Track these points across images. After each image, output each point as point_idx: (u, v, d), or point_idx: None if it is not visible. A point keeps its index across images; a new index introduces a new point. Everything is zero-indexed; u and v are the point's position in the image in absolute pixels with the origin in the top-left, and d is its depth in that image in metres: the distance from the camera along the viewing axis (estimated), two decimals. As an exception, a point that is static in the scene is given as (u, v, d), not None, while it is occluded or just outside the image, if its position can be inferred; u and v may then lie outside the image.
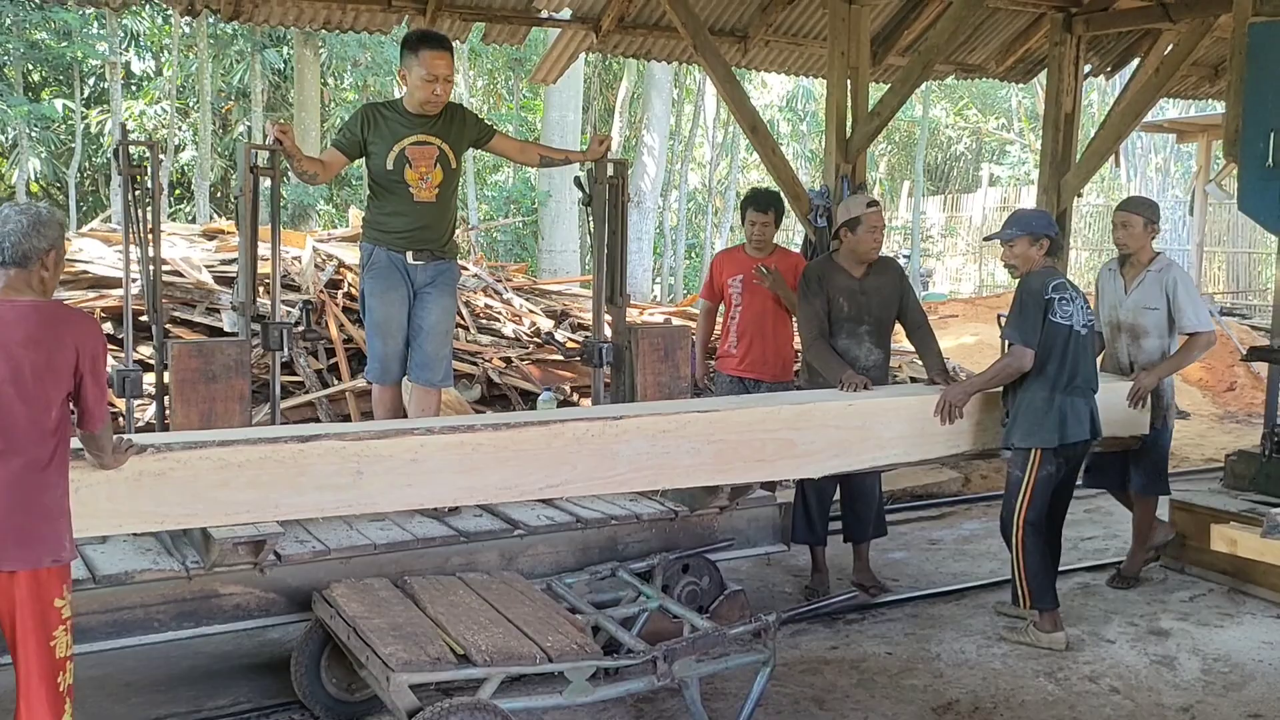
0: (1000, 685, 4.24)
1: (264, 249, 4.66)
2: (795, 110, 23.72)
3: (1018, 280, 4.62)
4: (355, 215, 10.07)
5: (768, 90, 24.16)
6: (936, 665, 4.42)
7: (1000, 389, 4.65)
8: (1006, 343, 4.58)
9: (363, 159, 4.63)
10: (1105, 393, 4.93)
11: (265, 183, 4.47)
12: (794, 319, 5.57)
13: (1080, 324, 4.46)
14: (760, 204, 5.62)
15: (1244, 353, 6.90)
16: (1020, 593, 4.57)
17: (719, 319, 5.87)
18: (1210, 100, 12.17)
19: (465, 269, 9.43)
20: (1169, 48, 8.42)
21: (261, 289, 5.05)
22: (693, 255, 21.25)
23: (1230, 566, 5.23)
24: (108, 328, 6.89)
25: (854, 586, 5.17)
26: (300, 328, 4.98)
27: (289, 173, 4.66)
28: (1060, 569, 5.51)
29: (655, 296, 17.80)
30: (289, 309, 6.59)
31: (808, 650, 4.56)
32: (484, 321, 8.44)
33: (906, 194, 24.77)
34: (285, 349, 4.39)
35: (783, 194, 7.80)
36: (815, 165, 22.76)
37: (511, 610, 3.60)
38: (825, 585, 5.22)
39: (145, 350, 5.93)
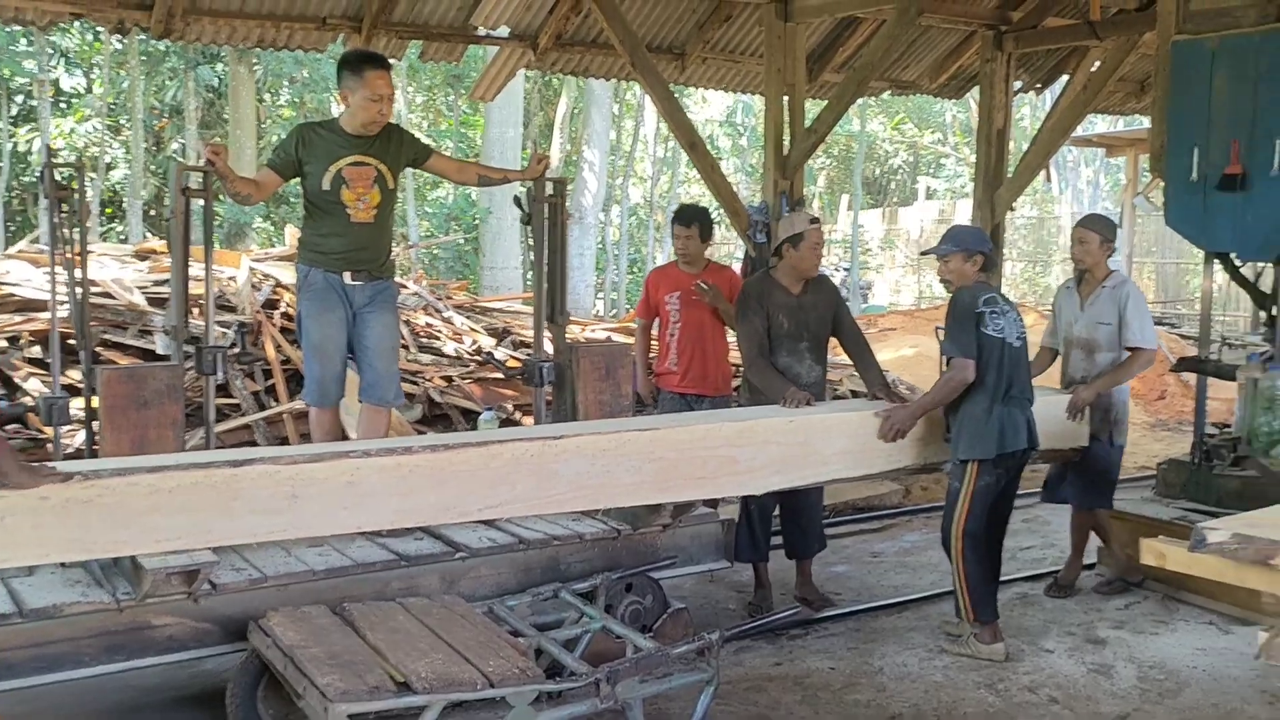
0: (942, 698, 4.27)
1: (199, 270, 4.59)
2: (735, 125, 23.90)
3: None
4: (292, 233, 9.94)
5: (708, 105, 24.32)
6: (879, 679, 4.44)
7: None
8: (946, 358, 4.60)
9: (298, 179, 4.57)
10: (1045, 405, 5.01)
11: (201, 203, 4.40)
12: (730, 333, 5.62)
13: (1013, 337, 4.51)
14: (684, 219, 5.66)
15: (1174, 362, 7.03)
16: (961, 604, 4.60)
17: (655, 337, 5.91)
18: (1137, 115, 12.46)
19: (405, 287, 9.34)
20: (1096, 64, 8.61)
21: (195, 311, 4.96)
22: (635, 271, 21.29)
23: (1164, 574, 5.33)
24: (35, 352, 6.73)
25: (798, 601, 5.19)
26: (235, 350, 4.90)
27: (241, 199, 4.61)
28: (1006, 578, 5.63)
29: (598, 312, 17.80)
30: (224, 331, 6.48)
31: (751, 667, 4.56)
32: (425, 340, 8.37)
33: (845, 207, 25.05)
34: (220, 372, 4.31)
35: (723, 209, 7.88)
36: (756, 180, 22.90)
37: (452, 635, 3.56)
38: (769, 601, 5.23)
39: (74, 375, 5.80)
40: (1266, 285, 5.93)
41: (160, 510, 3.43)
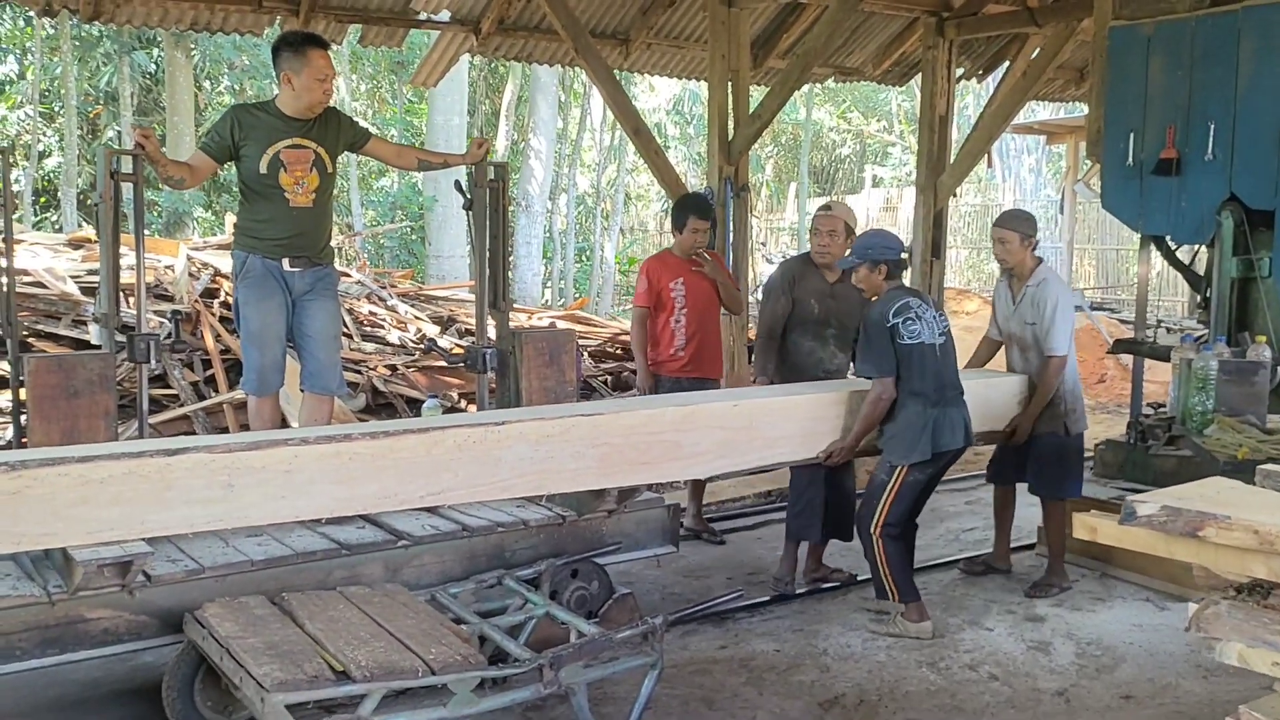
0: (885, 677, 4.30)
1: (135, 258, 4.48)
2: (682, 114, 23.88)
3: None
4: (233, 221, 9.78)
5: (655, 94, 24.28)
6: (823, 660, 4.47)
7: None
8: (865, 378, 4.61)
9: (233, 163, 4.49)
10: (984, 387, 5.06)
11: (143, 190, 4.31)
12: (723, 309, 5.90)
13: (931, 337, 4.50)
14: (704, 212, 5.75)
15: (1111, 344, 7.14)
16: (888, 589, 4.62)
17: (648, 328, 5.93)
18: (1077, 102, 12.64)
19: (348, 276, 9.25)
20: (1036, 52, 8.72)
21: (131, 299, 4.86)
22: (583, 259, 21.22)
23: (1101, 553, 5.42)
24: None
25: (812, 581, 5.30)
26: (170, 339, 4.80)
27: (174, 184, 4.51)
28: (941, 560, 5.69)
29: (546, 301, 17.73)
30: (161, 320, 6.36)
31: (697, 651, 4.56)
32: (368, 329, 8.30)
33: (793, 195, 25.13)
34: (153, 361, 4.22)
35: (667, 195, 7.88)
36: (703, 168, 22.91)
37: (394, 623, 3.52)
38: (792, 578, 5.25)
39: (3, 365, 5.66)
40: (1203, 269, 6.04)
41: (91, 501, 3.35)
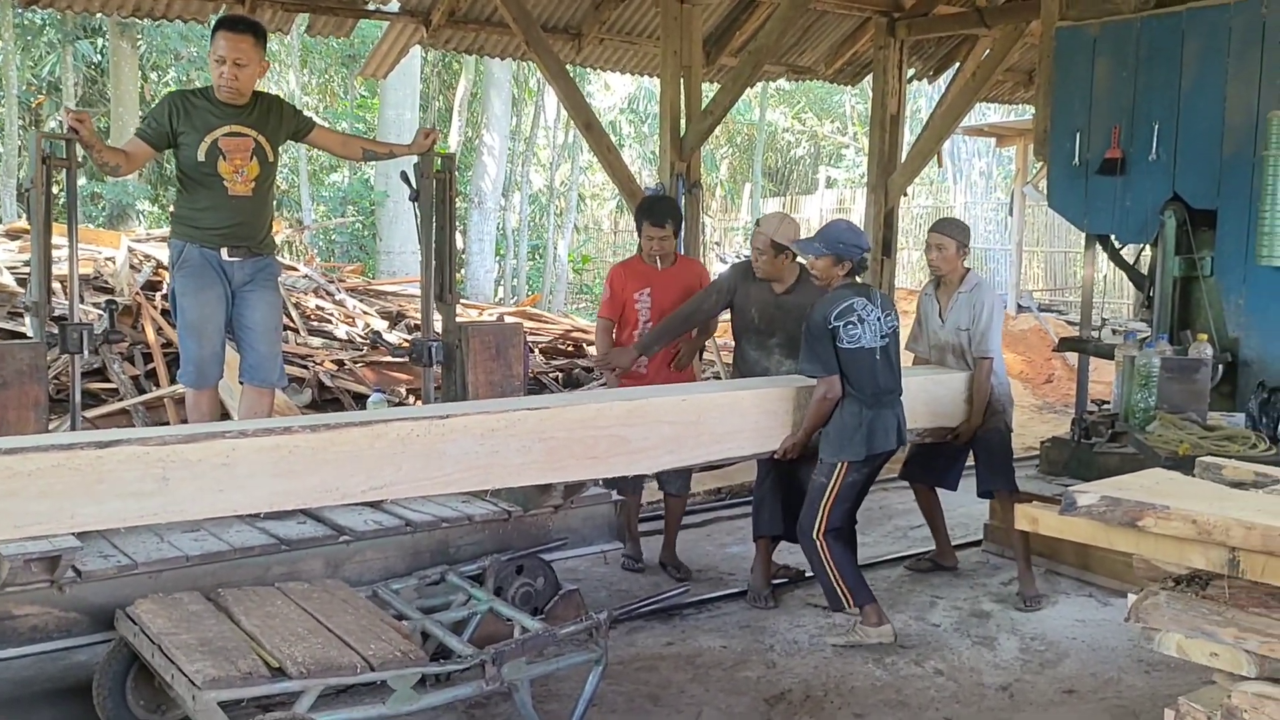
0: (831, 673, 4.30)
1: (80, 250, 4.37)
2: (637, 112, 23.87)
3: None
4: (170, 210, 9.62)
5: (611, 92, 24.24)
6: (770, 656, 4.46)
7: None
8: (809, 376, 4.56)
9: (171, 150, 4.39)
10: (934, 384, 5.07)
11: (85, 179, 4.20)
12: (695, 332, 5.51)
13: (872, 340, 4.47)
14: (657, 217, 5.33)
15: (1057, 343, 7.21)
16: (841, 595, 4.54)
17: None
18: (1027, 105, 12.77)
19: (295, 270, 9.13)
20: (986, 53, 8.79)
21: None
22: (535, 257, 21.12)
23: (1046, 548, 5.45)
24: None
25: (783, 571, 5.27)
26: (105, 330, 4.69)
27: (110, 170, 4.40)
28: (888, 557, 5.69)
29: (500, 298, 17.62)
30: (99, 311, 6.21)
31: (644, 647, 4.53)
32: (315, 323, 8.18)
33: (748, 195, 25.21)
34: (86, 352, 4.12)
35: (619, 190, 7.84)
36: (657, 165, 22.90)
37: (333, 619, 3.45)
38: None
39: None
40: (1147, 268, 6.11)
41: (19, 494, 3.25)
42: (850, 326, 4.44)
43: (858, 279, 4.62)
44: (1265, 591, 2.39)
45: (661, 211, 5.38)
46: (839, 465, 4.50)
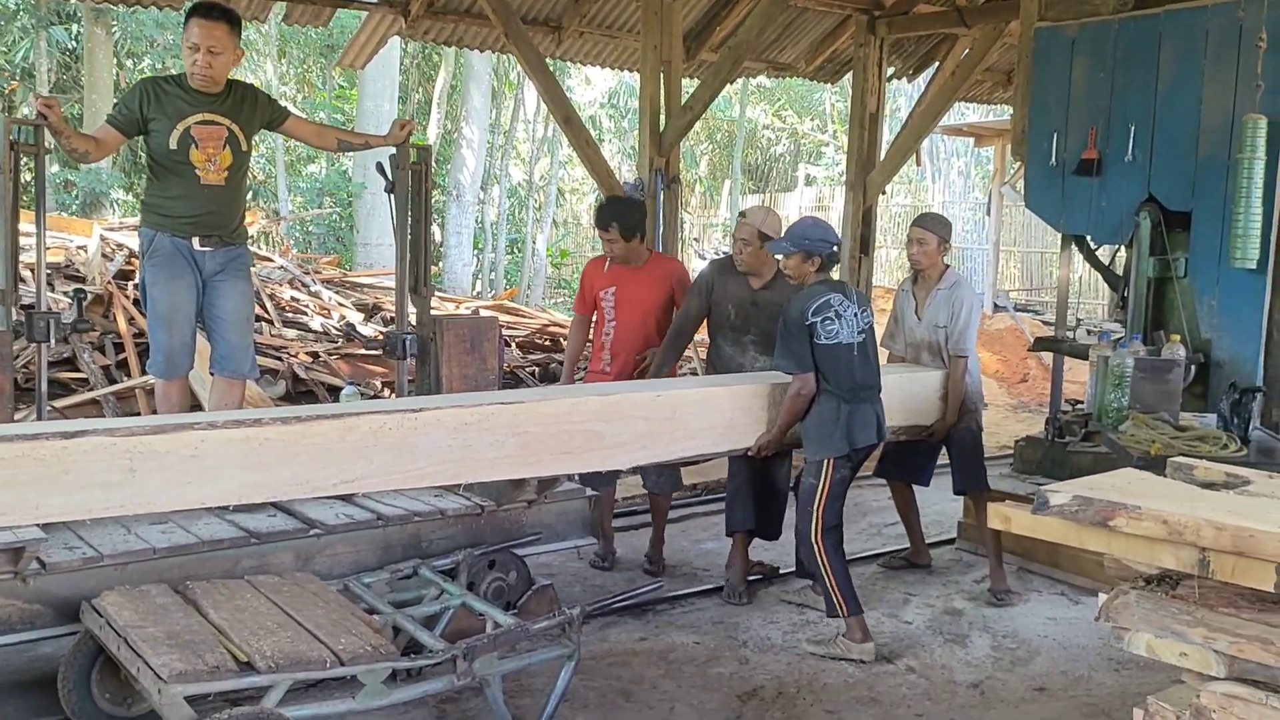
0: (804, 670, 4.30)
1: (51, 238, 4.31)
2: (618, 107, 23.82)
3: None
4: (140, 198, 9.53)
5: (591, 87, 24.18)
6: (743, 653, 4.46)
7: None
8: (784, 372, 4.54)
9: (142, 137, 4.33)
10: (909, 382, 5.08)
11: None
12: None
13: (849, 336, 4.45)
14: (600, 220, 5.30)
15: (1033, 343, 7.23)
16: (836, 604, 4.46)
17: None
18: (1005, 105, 12.82)
19: (270, 260, 9.06)
20: (965, 52, 8.81)
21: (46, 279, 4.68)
22: (514, 251, 21.05)
23: (1018, 547, 5.47)
24: None
25: (758, 568, 5.27)
26: (74, 319, 4.63)
27: (79, 156, 4.34)
28: (862, 555, 5.70)
29: (477, 292, 17.55)
30: (69, 300, 6.14)
31: (616, 643, 4.52)
32: (290, 315, 8.12)
33: (727, 192, 25.21)
34: (52, 341, 4.06)
35: (598, 185, 7.82)
36: (636, 160, 22.85)
37: (303, 613, 3.42)
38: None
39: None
40: (1122, 269, 6.12)
41: (-18, 484, 3.20)
42: (828, 322, 4.42)
43: (831, 275, 4.62)
44: (1235, 592, 2.40)
45: (604, 215, 5.33)
46: (825, 462, 4.46)
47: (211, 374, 4.52)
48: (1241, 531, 2.26)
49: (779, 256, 4.65)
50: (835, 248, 4.60)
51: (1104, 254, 6.29)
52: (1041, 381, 11.68)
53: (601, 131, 22.75)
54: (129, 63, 17.09)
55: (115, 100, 15.00)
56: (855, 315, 4.50)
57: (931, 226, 5.19)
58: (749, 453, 4.64)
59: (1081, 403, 6.01)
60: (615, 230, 5.23)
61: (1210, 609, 2.40)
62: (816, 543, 4.46)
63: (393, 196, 4.83)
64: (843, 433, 4.44)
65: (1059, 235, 6.32)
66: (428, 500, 4.46)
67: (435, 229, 17.92)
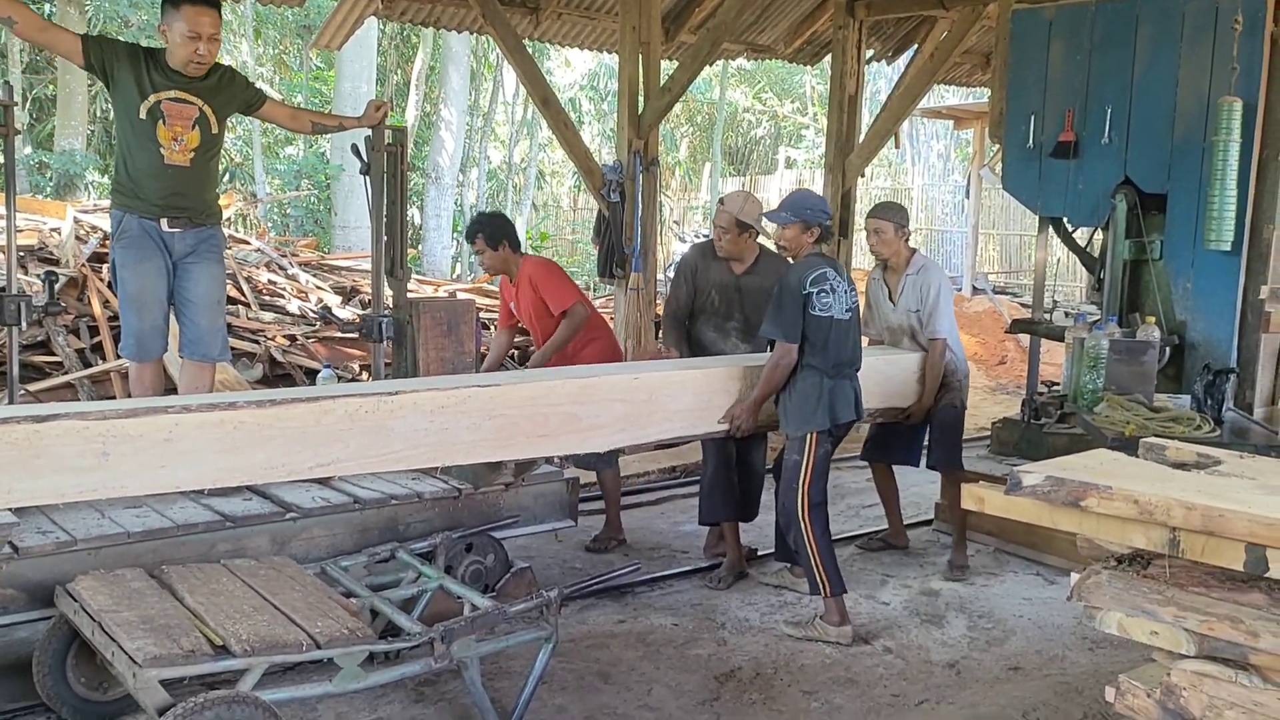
0: (781, 650, 4.32)
1: (25, 220, 4.25)
2: (597, 89, 23.73)
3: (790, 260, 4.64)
4: (109, 179, 9.44)
5: (571, 69, 24.07)
6: (721, 634, 4.47)
7: None
8: (769, 340, 4.52)
9: (107, 94, 4.26)
10: (886, 364, 5.09)
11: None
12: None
13: (840, 312, 4.44)
14: (467, 234, 5.43)
15: (1010, 325, 7.26)
16: (820, 582, 4.46)
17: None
18: (984, 88, 12.84)
19: (247, 243, 9.00)
20: (944, 35, 8.80)
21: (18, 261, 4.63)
22: (495, 231, 20.94)
23: (995, 528, 5.52)
24: None
25: (714, 556, 5.29)
26: (45, 302, 4.58)
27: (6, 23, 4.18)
28: (840, 536, 5.71)
29: (457, 275, 17.49)
30: (41, 283, 6.08)
31: (595, 625, 4.53)
32: (267, 298, 8.07)
33: (707, 175, 25.18)
34: (23, 324, 4.02)
35: (577, 167, 7.79)
36: (615, 143, 22.74)
37: (279, 597, 3.41)
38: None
39: None
40: (1098, 251, 6.14)
41: (-48, 469, 3.17)
42: (823, 295, 4.39)
43: (824, 249, 4.60)
44: (1205, 571, 2.42)
45: (470, 228, 5.43)
46: (808, 437, 4.43)
47: (181, 357, 4.48)
48: (1211, 511, 2.28)
49: (776, 227, 4.62)
50: (830, 220, 4.60)
51: (1081, 236, 6.30)
52: (1019, 364, 11.73)
53: (581, 114, 22.68)
54: (103, 43, 16.88)
55: (89, 80, 14.87)
56: (846, 292, 4.49)
57: (885, 215, 5.20)
58: (725, 430, 4.57)
59: (1058, 384, 6.03)
60: (481, 240, 5.34)
61: (1181, 588, 2.42)
62: (804, 520, 4.45)
63: (368, 178, 4.80)
64: (825, 408, 4.42)
65: (1037, 218, 6.34)
66: (405, 483, 4.46)
67: (414, 212, 17.86)
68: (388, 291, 4.93)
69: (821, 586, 4.45)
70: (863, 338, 5.26)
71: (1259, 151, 5.21)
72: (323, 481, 4.27)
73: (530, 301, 5.40)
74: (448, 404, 3.97)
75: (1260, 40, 5.12)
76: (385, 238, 4.83)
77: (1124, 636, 2.51)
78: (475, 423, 4.02)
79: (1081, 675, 4.13)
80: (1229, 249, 5.21)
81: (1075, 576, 2.55)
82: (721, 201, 5.05)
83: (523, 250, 5.55)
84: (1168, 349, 5.43)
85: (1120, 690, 2.57)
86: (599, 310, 5.82)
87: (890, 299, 5.26)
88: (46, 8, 15.13)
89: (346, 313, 7.99)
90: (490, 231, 5.35)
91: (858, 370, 4.57)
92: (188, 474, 3.56)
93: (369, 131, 4.75)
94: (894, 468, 5.58)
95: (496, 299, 9.98)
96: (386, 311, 4.86)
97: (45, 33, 4.29)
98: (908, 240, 5.24)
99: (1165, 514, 2.33)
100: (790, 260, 4.64)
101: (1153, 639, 2.45)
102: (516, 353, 8.50)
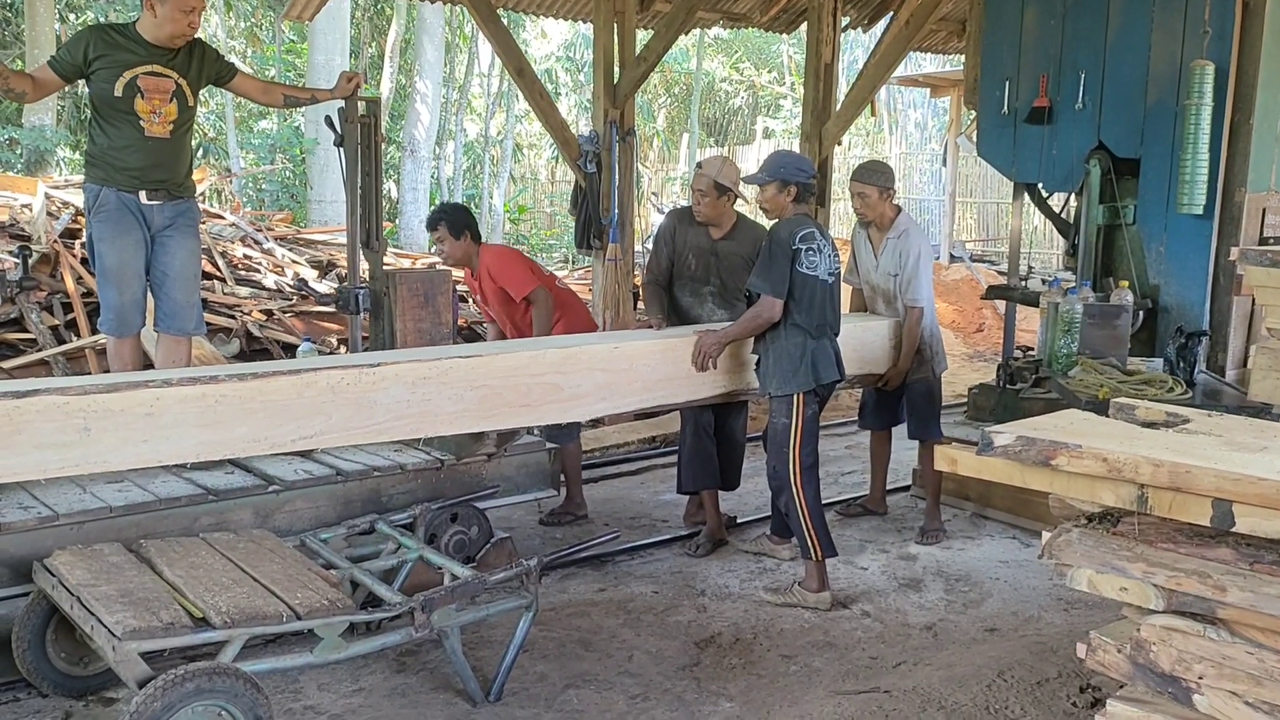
0: (760, 616, 4.37)
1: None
2: (574, 60, 23.58)
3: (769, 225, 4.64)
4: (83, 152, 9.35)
5: (547, 40, 23.91)
6: (701, 600, 4.52)
7: None
8: (755, 293, 4.49)
9: (85, 84, 4.25)
10: (863, 330, 5.13)
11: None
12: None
13: (826, 273, 4.44)
14: (428, 223, 5.37)
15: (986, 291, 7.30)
16: (809, 544, 4.47)
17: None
18: (960, 55, 12.83)
19: (221, 218, 8.94)
20: (919, 2, 8.78)
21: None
22: (471, 206, 20.87)
23: (973, 493, 5.58)
24: None
25: (694, 524, 5.35)
26: (20, 278, 4.56)
27: (14, 96, 4.26)
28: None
29: (434, 249, 17.42)
30: (14, 259, 6.04)
31: (576, 594, 4.57)
32: (243, 273, 8.03)
33: (685, 146, 25.10)
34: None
35: (552, 138, 7.77)
36: (592, 113, 22.62)
37: (259, 569, 3.42)
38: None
39: None
40: (1073, 217, 6.18)
41: (-70, 446, 3.17)
42: (811, 253, 4.38)
43: (807, 211, 4.58)
44: (1173, 527, 2.46)
45: (431, 218, 5.37)
46: (795, 397, 4.42)
47: (156, 331, 4.47)
48: (1178, 468, 2.32)
49: (756, 189, 4.61)
50: (812, 179, 4.58)
51: (1056, 202, 6.34)
52: (997, 331, 11.81)
53: (558, 85, 22.53)
54: (71, 17, 16.69)
55: (58, 56, 14.68)
56: (830, 255, 4.49)
57: (868, 179, 5.18)
58: (690, 360, 4.53)
59: (1033, 350, 6.08)
60: (443, 228, 5.26)
61: (1149, 544, 2.47)
62: (795, 482, 4.46)
63: (342, 150, 4.78)
64: (808, 368, 4.42)
65: (1012, 185, 6.37)
66: (387, 455, 4.47)
67: (391, 186, 17.76)
68: (364, 264, 4.92)
69: (812, 549, 4.47)
70: (846, 286, 5.32)
71: (1230, 115, 5.25)
72: (305, 454, 4.27)
73: (493, 291, 5.37)
74: (430, 375, 3.98)
75: (1232, 3, 5.15)
76: (360, 209, 4.82)
77: (1094, 593, 2.55)
78: (458, 394, 4.04)
79: (1056, 635, 4.19)
80: (1201, 213, 5.25)
81: (1046, 535, 2.60)
82: (699, 165, 5.05)
83: (483, 240, 5.51)
84: (1141, 313, 5.49)
85: (1091, 646, 2.62)
86: (571, 284, 5.81)
87: (874, 256, 5.28)
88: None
89: (324, 286, 7.96)
90: (452, 221, 5.27)
91: (837, 334, 4.58)
92: (170, 448, 3.57)
93: (343, 103, 4.73)
94: (892, 437, 5.62)
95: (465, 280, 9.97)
96: (363, 283, 4.85)
97: (40, 88, 4.34)
98: (892, 200, 5.23)
99: (1133, 471, 2.37)
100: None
101: (1122, 595, 2.49)
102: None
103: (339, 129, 4.74)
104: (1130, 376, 4.81)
